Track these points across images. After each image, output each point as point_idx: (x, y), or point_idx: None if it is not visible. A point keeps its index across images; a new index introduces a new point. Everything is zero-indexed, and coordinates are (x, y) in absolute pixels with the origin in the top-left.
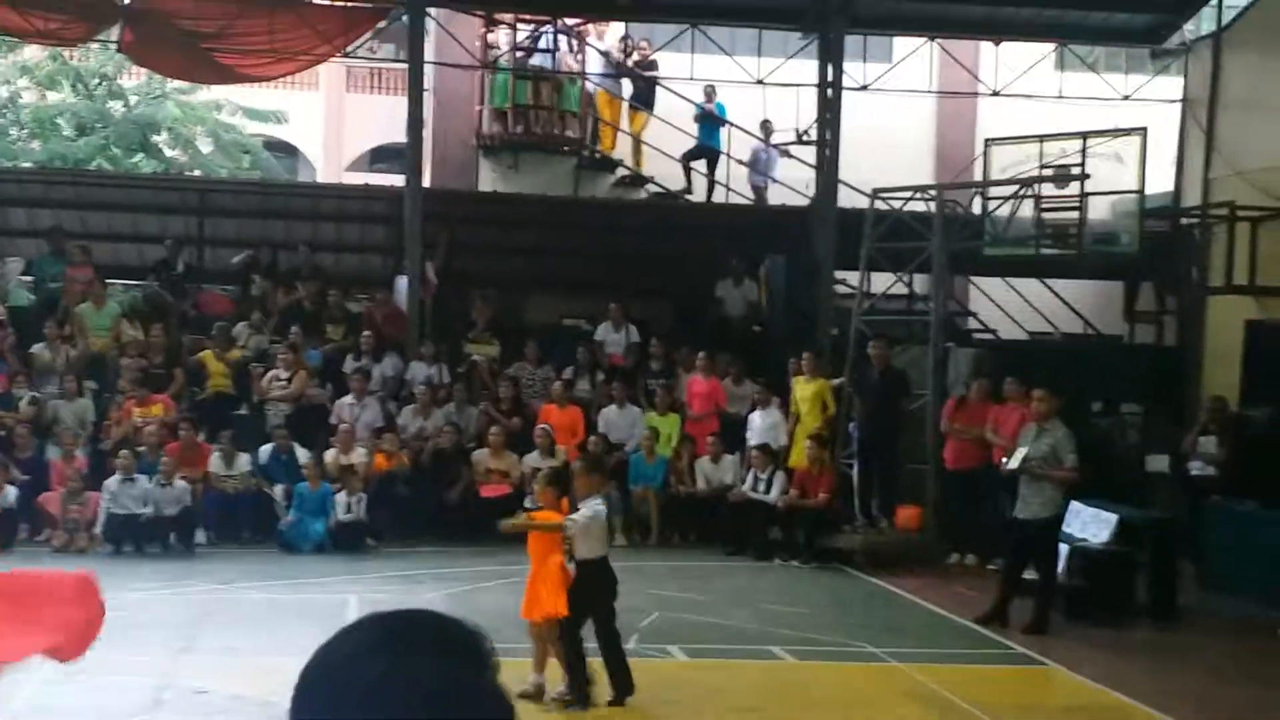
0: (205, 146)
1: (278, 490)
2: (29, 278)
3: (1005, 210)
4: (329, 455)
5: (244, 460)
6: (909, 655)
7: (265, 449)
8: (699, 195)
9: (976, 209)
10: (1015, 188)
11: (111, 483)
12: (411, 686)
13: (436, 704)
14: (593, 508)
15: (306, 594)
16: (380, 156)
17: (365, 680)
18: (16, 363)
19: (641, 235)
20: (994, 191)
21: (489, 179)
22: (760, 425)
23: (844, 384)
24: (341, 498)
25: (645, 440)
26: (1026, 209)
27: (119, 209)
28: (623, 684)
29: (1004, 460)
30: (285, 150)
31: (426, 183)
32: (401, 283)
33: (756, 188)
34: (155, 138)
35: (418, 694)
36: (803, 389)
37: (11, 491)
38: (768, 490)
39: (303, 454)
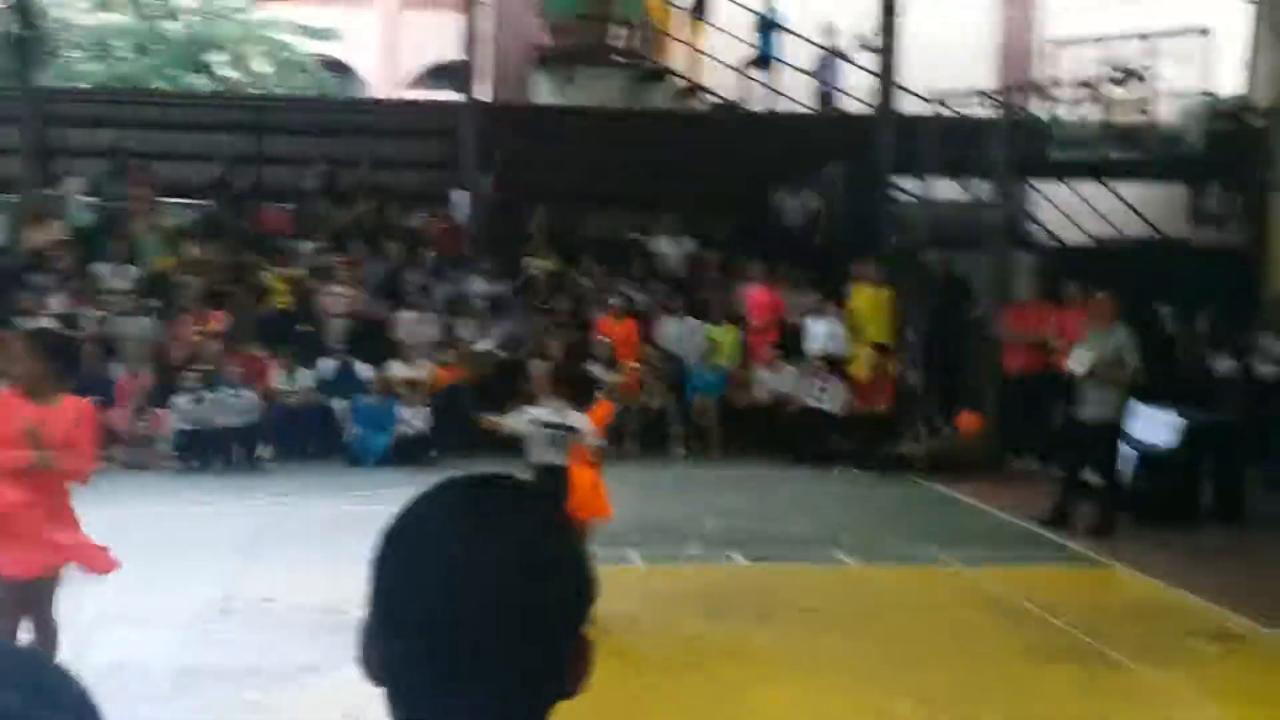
0: (261, 65)
1: (340, 404)
2: (90, 198)
3: (1069, 113)
4: (392, 369)
5: (306, 375)
6: (972, 559)
7: (327, 364)
8: (758, 105)
9: (1040, 111)
10: (1079, 90)
11: (181, 400)
12: (496, 555)
13: (521, 573)
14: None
15: (369, 506)
16: (437, 75)
17: (449, 550)
18: (80, 282)
19: (700, 146)
20: (1058, 93)
21: (546, 93)
22: (820, 333)
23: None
24: (405, 411)
25: (705, 350)
26: (1091, 111)
27: (177, 128)
28: None
29: (1069, 363)
30: (341, 69)
31: (484, 98)
32: (458, 197)
33: (823, 94)
34: (211, 57)
35: (503, 563)
36: (864, 297)
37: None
38: (828, 399)
39: (363, 370)
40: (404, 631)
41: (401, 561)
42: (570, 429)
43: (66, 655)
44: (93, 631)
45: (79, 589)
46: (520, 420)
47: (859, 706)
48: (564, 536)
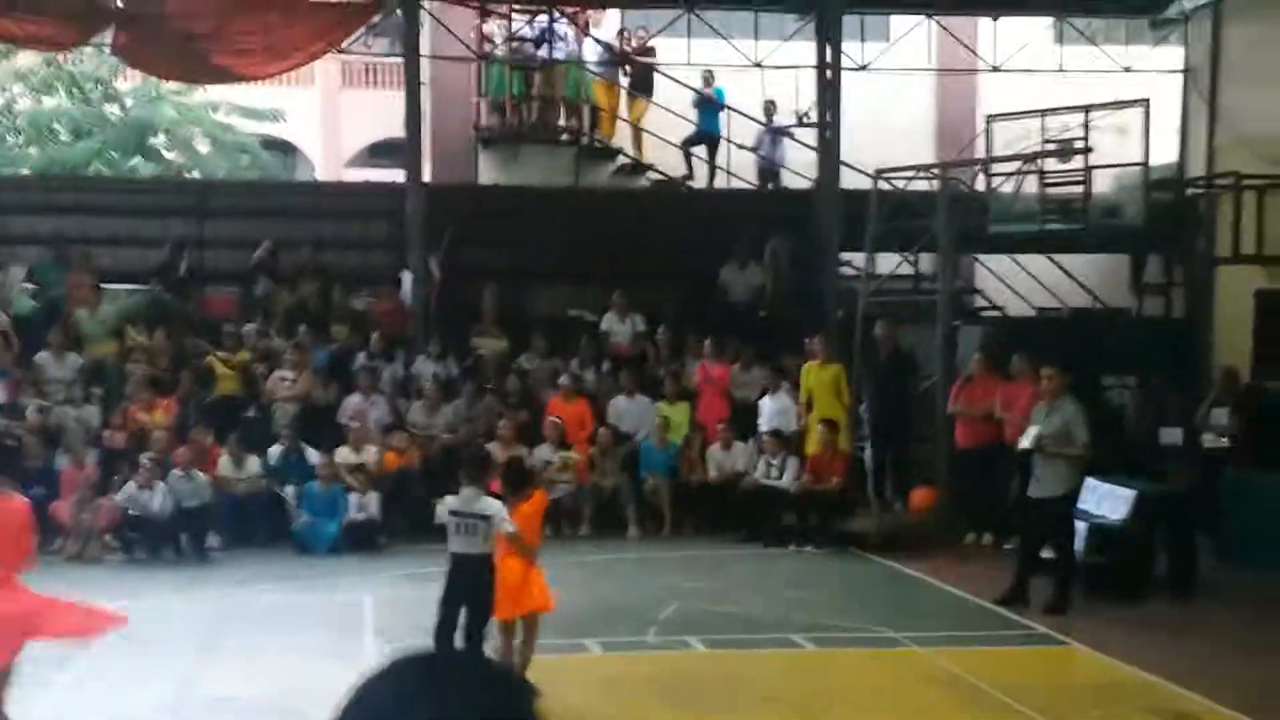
0: (203, 147)
1: (289, 491)
2: (31, 285)
3: (1009, 186)
4: (340, 454)
5: (254, 462)
6: (929, 639)
7: (275, 450)
8: (700, 182)
9: (980, 186)
10: (1019, 163)
11: (130, 487)
12: None
13: None
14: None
15: (322, 595)
16: (378, 152)
17: None
18: (21, 371)
19: (644, 223)
20: (997, 168)
21: (489, 171)
22: (771, 410)
23: (855, 366)
24: (354, 497)
25: (656, 428)
26: (1031, 185)
27: (118, 213)
28: None
29: (1021, 439)
30: (283, 149)
31: (427, 177)
32: (407, 278)
33: (764, 170)
34: (152, 140)
35: None
36: (815, 374)
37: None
38: (780, 476)
39: (312, 454)
40: None
41: None
42: (482, 517)
43: None
44: None
45: (33, 691)
46: (441, 509)
47: None
48: (527, 708)
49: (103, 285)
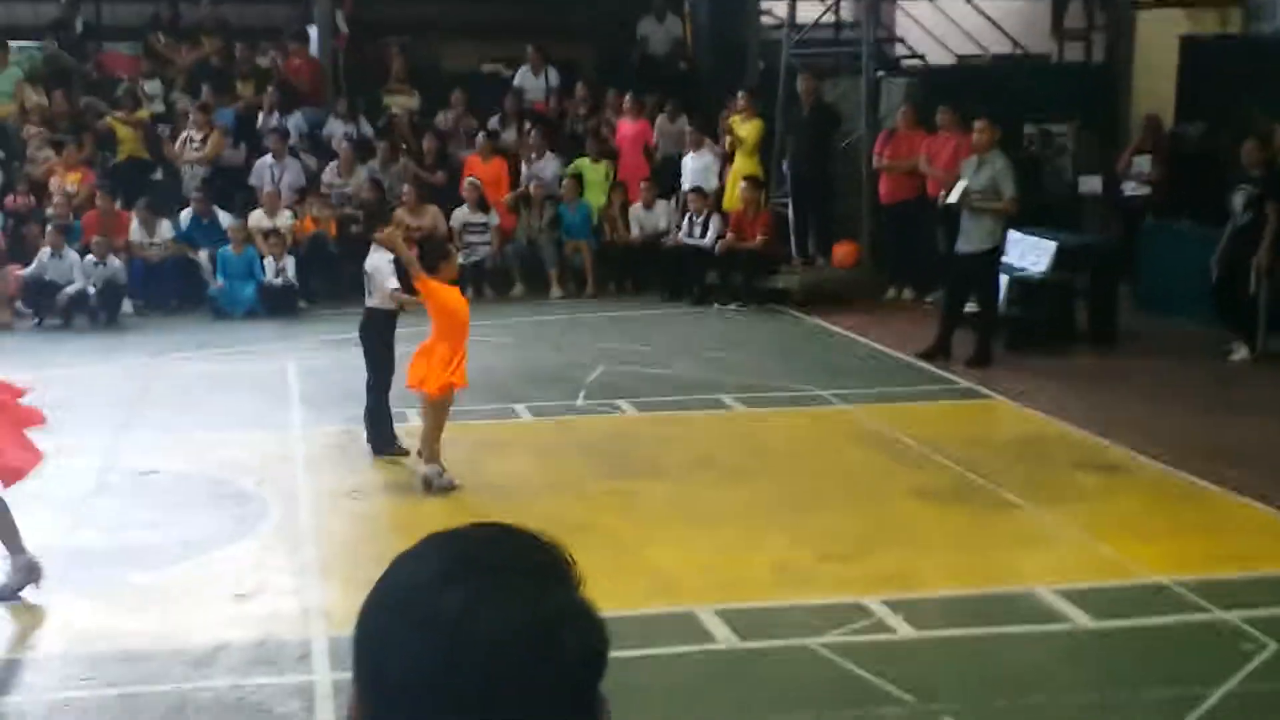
0: None
1: (202, 255)
2: None
3: None
4: (253, 218)
5: (165, 227)
6: (855, 396)
7: (185, 214)
8: None
9: None
10: None
11: (43, 254)
12: (500, 616)
13: (530, 633)
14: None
15: (242, 363)
16: None
17: (446, 615)
18: None
19: None
20: None
21: None
22: (693, 167)
23: (775, 121)
24: (269, 261)
25: (566, 187)
26: None
27: None
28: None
29: (942, 193)
30: None
31: None
32: (313, 32)
33: None
34: None
35: (509, 624)
36: (738, 128)
37: None
38: (704, 234)
39: (224, 218)
40: (398, 705)
41: (395, 636)
42: (367, 273)
43: None
44: None
45: None
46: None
47: (760, 559)
48: (569, 585)
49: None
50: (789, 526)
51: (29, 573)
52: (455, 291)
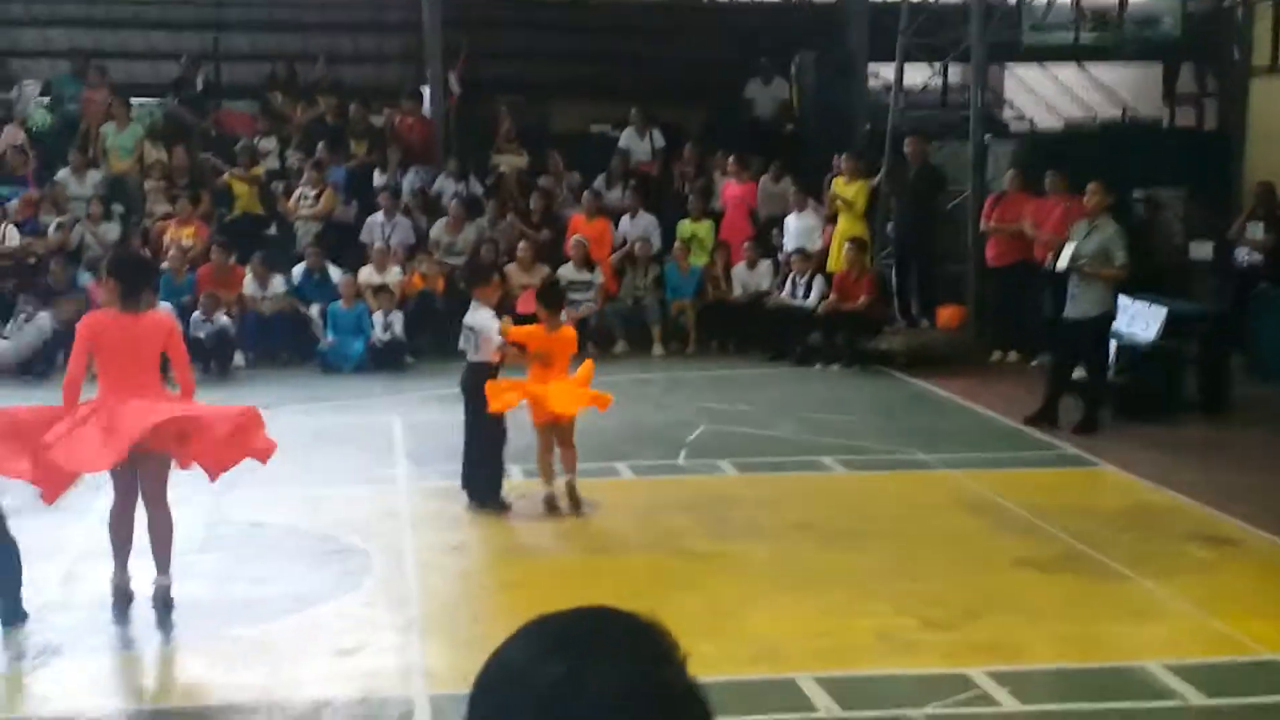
0: None
1: (313, 310)
2: (46, 98)
3: None
4: (363, 274)
5: (278, 281)
6: (958, 461)
7: (298, 269)
8: None
9: None
10: None
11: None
12: (595, 690)
13: (626, 707)
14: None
15: (350, 416)
16: None
17: (543, 687)
18: (41, 189)
19: (666, 35)
20: None
21: None
22: (796, 228)
23: (880, 181)
24: (378, 317)
25: (677, 250)
26: None
27: (131, 25)
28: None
29: (1050, 257)
30: None
31: None
32: (426, 92)
33: None
34: None
35: (604, 698)
36: (844, 190)
37: (45, 318)
38: (806, 295)
39: (335, 273)
40: None
41: (496, 706)
42: (470, 328)
43: (53, 589)
44: (78, 564)
45: (69, 517)
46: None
47: (862, 626)
48: (668, 663)
49: (119, 101)
50: (892, 593)
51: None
52: (536, 327)
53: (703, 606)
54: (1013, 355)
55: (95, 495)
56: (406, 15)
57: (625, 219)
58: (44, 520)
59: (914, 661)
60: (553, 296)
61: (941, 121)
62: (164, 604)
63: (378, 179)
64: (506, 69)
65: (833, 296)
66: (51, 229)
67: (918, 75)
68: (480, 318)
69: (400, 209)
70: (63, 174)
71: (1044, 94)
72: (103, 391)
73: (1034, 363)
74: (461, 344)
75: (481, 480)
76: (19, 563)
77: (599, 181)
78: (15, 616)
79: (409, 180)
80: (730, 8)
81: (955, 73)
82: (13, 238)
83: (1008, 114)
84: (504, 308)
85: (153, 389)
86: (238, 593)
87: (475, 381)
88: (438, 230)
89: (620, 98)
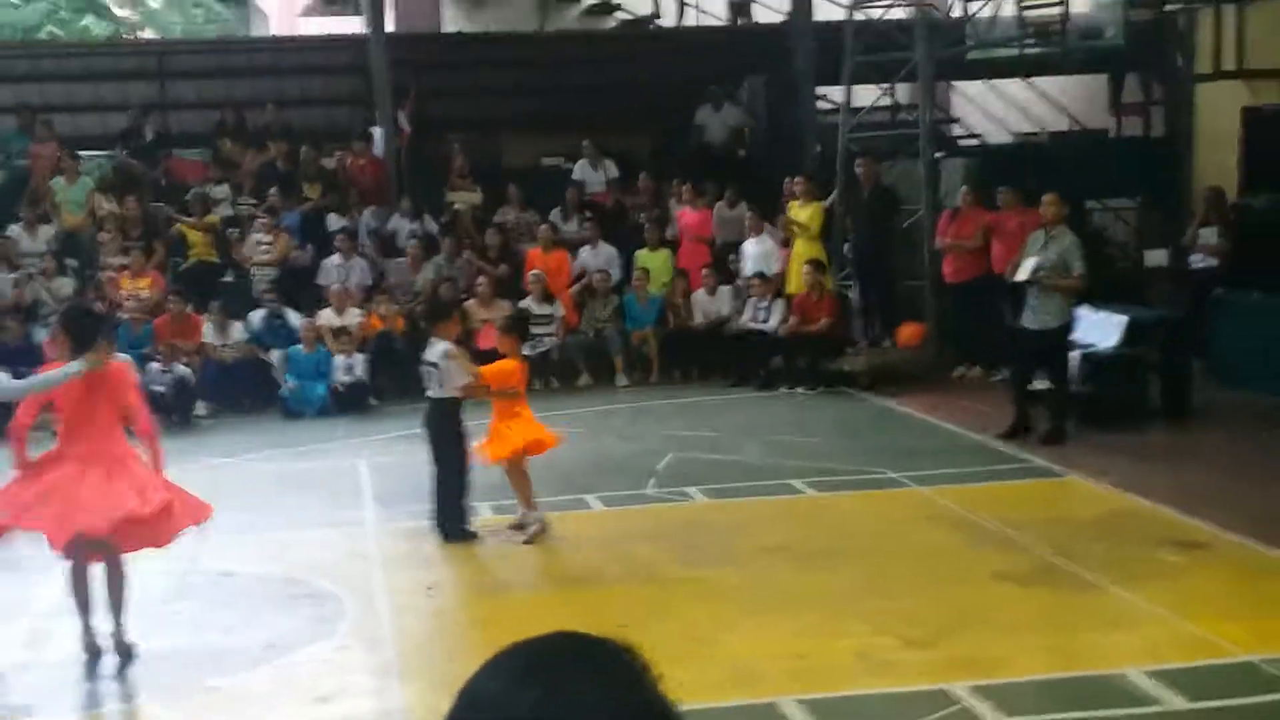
0: (154, 2)
1: (274, 356)
2: None
3: (987, 10)
4: (322, 317)
5: (238, 328)
6: (928, 478)
7: (256, 315)
8: (669, 20)
9: (957, 12)
10: None
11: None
12: (574, 714)
13: None
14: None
15: (315, 461)
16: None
17: (521, 713)
18: None
19: (613, 66)
20: None
21: (452, 18)
22: (754, 253)
23: (835, 203)
24: (340, 359)
25: (637, 279)
26: (1008, 7)
27: (77, 78)
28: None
29: (1009, 268)
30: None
31: (390, 27)
32: (378, 133)
33: (735, 5)
34: None
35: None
36: (798, 213)
37: (1, 376)
38: (767, 319)
39: (294, 318)
40: None
41: None
42: (432, 363)
43: (21, 646)
44: (49, 619)
45: (37, 576)
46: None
47: (841, 646)
48: (641, 684)
49: (68, 154)
50: (868, 612)
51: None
52: (504, 361)
53: (677, 632)
54: (975, 370)
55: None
56: (353, 58)
57: (586, 250)
58: (5, 579)
59: (895, 680)
60: (524, 329)
61: (892, 140)
62: (125, 654)
63: (332, 222)
64: (456, 106)
65: (794, 319)
66: (5, 286)
67: (866, 96)
68: (440, 351)
69: (355, 250)
70: (14, 230)
71: (992, 109)
72: (62, 446)
73: (996, 377)
74: (426, 380)
75: (449, 512)
76: None
77: (554, 214)
78: None
79: (364, 221)
80: (676, 34)
81: (903, 92)
82: None
83: (957, 130)
84: (464, 343)
85: (114, 442)
86: (212, 642)
87: (438, 416)
88: (396, 271)
89: (571, 129)
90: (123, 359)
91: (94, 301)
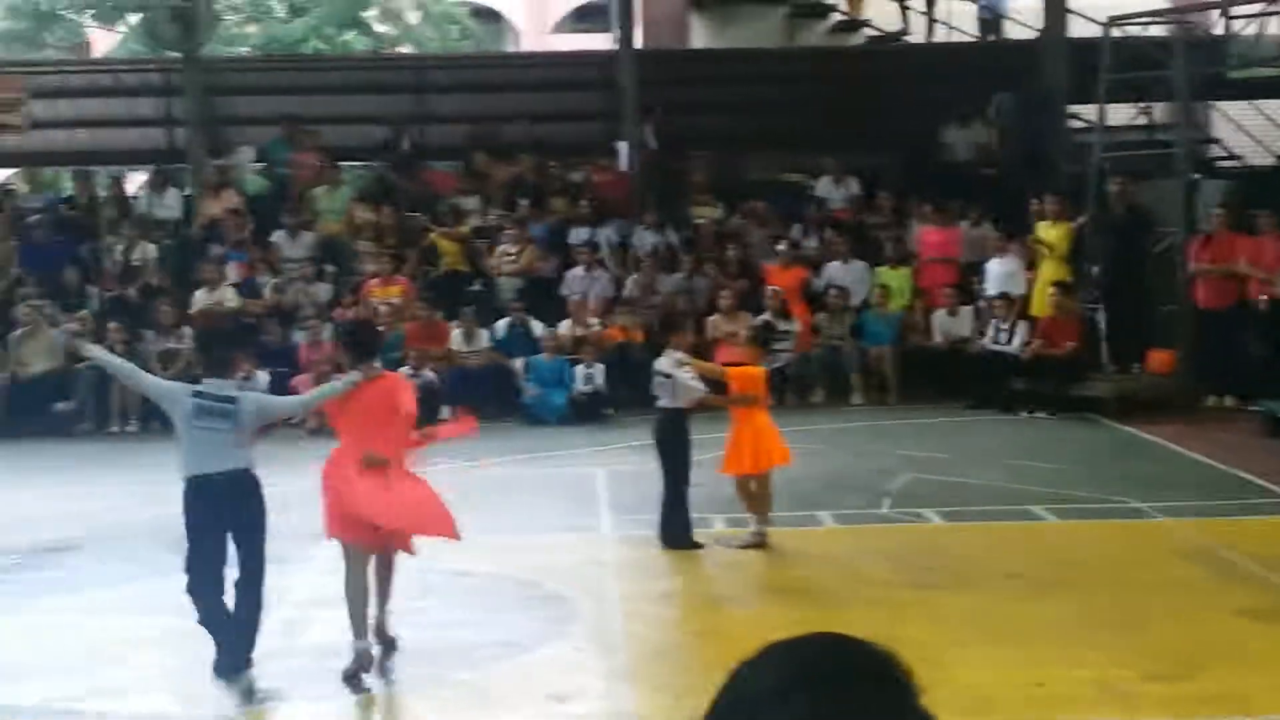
0: (412, 18)
1: (517, 363)
2: (260, 164)
3: (1251, 28)
4: (563, 327)
5: (483, 336)
6: (1177, 509)
7: (501, 323)
8: (918, 36)
9: (1219, 29)
10: (1261, 3)
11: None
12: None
13: None
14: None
15: (552, 467)
16: (584, 16)
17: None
18: (257, 250)
19: (860, 82)
20: (1237, 9)
21: (701, 35)
22: (998, 273)
23: (1085, 224)
24: (580, 369)
25: (876, 297)
26: (1273, 26)
27: (338, 91)
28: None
29: (1263, 299)
30: (489, 16)
31: (639, 43)
32: (622, 148)
33: (985, 21)
34: (364, 14)
35: None
36: (1047, 233)
37: (263, 377)
38: (1009, 340)
39: (537, 327)
40: None
41: None
42: (666, 375)
43: (278, 637)
44: (303, 612)
45: (291, 567)
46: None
47: (1080, 677)
48: (905, 694)
49: (329, 165)
50: (1107, 644)
51: (362, 659)
52: (750, 367)
53: (908, 655)
54: (1229, 399)
55: (317, 544)
56: (602, 73)
57: (836, 265)
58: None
59: (1137, 713)
60: (769, 341)
61: (1147, 161)
62: (388, 644)
63: (576, 234)
64: (700, 121)
65: (1038, 341)
66: (268, 290)
67: (1122, 114)
68: (672, 361)
69: (598, 262)
70: (277, 236)
71: (1254, 129)
72: (345, 452)
73: (1252, 407)
74: (658, 390)
75: (673, 521)
76: (258, 621)
77: (795, 230)
78: (237, 671)
79: (607, 234)
80: (924, 50)
81: (1159, 110)
82: (231, 299)
83: (1216, 151)
84: (701, 355)
85: (390, 448)
86: (454, 638)
87: (667, 426)
88: (634, 283)
89: (815, 146)
90: (391, 375)
91: (350, 306)
